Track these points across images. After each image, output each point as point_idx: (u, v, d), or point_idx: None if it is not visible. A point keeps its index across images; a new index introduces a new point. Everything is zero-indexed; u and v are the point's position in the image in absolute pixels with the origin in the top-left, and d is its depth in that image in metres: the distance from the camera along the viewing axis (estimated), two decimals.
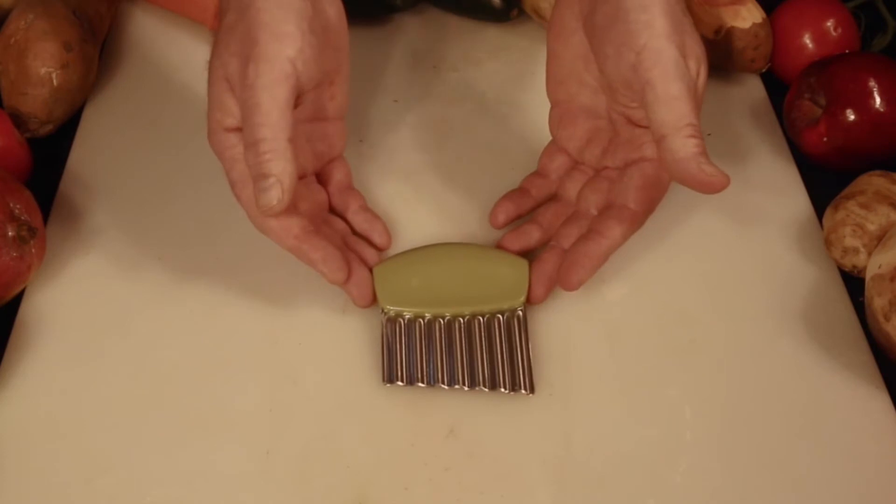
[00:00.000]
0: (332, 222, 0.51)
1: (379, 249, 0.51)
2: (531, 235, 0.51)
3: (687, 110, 0.43)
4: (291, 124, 0.43)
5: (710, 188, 0.43)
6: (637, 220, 0.47)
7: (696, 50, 0.45)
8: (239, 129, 0.45)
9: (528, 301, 0.49)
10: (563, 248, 0.49)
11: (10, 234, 0.47)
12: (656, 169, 0.47)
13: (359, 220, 0.52)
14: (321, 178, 0.52)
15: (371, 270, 0.49)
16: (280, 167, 0.42)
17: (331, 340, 0.49)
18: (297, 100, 0.45)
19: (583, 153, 0.51)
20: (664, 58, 0.43)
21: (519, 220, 0.52)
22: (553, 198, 0.52)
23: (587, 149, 0.50)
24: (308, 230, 0.46)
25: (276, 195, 0.42)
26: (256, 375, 0.48)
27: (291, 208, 0.46)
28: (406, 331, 0.48)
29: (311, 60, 0.44)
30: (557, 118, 0.52)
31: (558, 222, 0.51)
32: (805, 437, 0.46)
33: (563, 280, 0.47)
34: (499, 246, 0.51)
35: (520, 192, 0.52)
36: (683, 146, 0.42)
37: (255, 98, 0.43)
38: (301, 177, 0.49)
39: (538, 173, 0.53)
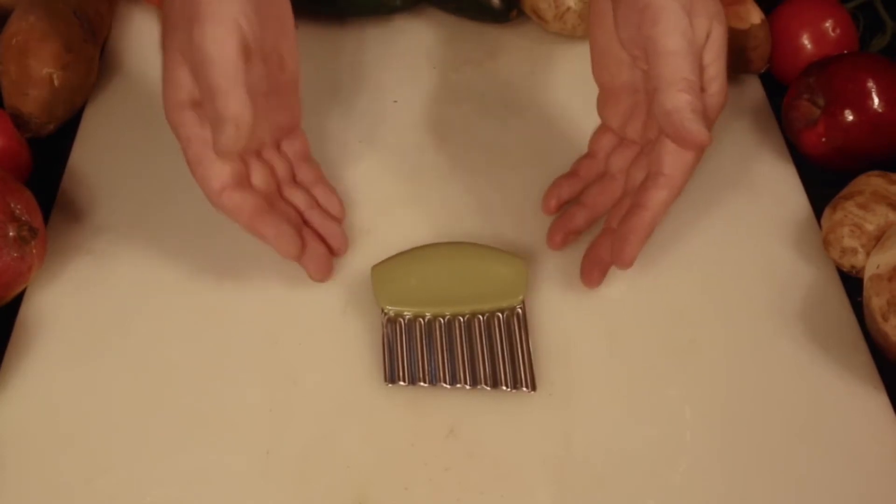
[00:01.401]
0: (293, 195, 0.51)
1: (336, 220, 0.52)
2: (576, 217, 0.52)
3: (682, 65, 0.43)
4: (244, 74, 0.44)
5: (689, 143, 0.43)
6: (673, 185, 0.47)
7: (708, 9, 0.45)
8: (194, 104, 0.45)
9: (587, 286, 0.50)
10: (615, 228, 0.49)
11: (10, 234, 0.47)
12: (685, 149, 0.47)
13: (316, 193, 0.52)
14: (281, 150, 0.53)
15: (330, 246, 0.51)
16: (236, 109, 0.43)
17: (331, 340, 0.49)
18: (247, 59, 0.45)
19: (625, 129, 0.51)
20: (664, 15, 0.43)
21: (570, 203, 0.53)
22: (601, 176, 0.52)
23: (629, 124, 0.51)
24: (261, 208, 0.47)
25: (230, 133, 0.43)
26: (256, 375, 0.48)
27: (245, 184, 0.47)
28: (406, 331, 0.48)
29: (255, 21, 0.45)
30: (602, 99, 0.52)
31: (605, 200, 0.51)
32: (804, 436, 0.46)
33: (616, 259, 0.48)
34: (549, 232, 0.52)
35: (569, 175, 0.53)
36: (672, 99, 0.43)
37: (205, 53, 0.43)
38: (259, 149, 0.50)
39: (587, 155, 0.53)
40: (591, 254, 0.50)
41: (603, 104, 0.52)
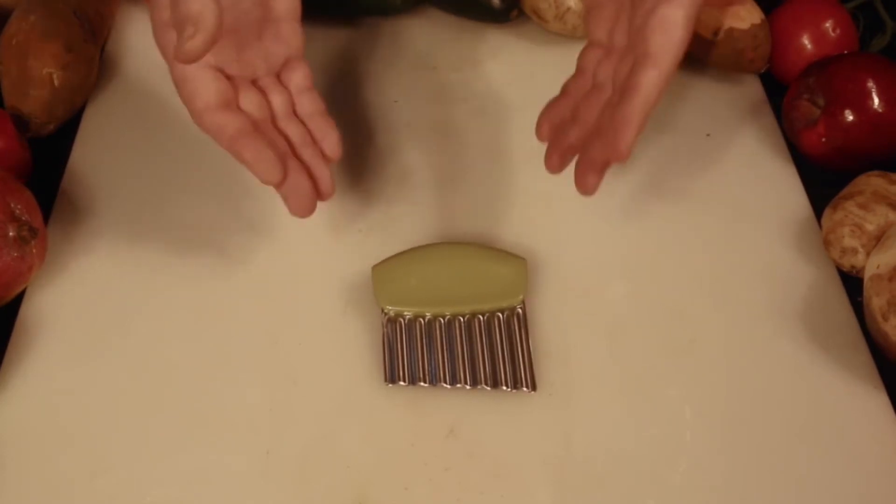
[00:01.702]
0: (287, 127, 0.50)
1: (328, 160, 0.50)
2: (570, 133, 0.49)
3: None
4: None
5: None
6: (662, 64, 0.44)
7: None
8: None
9: (583, 193, 0.46)
10: (605, 125, 0.46)
11: (10, 234, 0.47)
12: (669, 8, 0.45)
13: (314, 127, 0.50)
14: (282, 82, 0.51)
15: (317, 187, 0.48)
16: (196, 7, 0.42)
17: (331, 340, 0.49)
18: None
19: (613, 36, 0.49)
20: None
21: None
22: (590, 91, 0.50)
23: (616, 29, 0.49)
24: (245, 130, 0.46)
25: (189, 33, 0.42)
26: (256, 375, 0.48)
27: (231, 106, 0.46)
28: (406, 330, 0.48)
29: None
30: (587, 14, 0.51)
31: (595, 110, 0.48)
32: (804, 436, 0.46)
33: (612, 152, 0.44)
34: (546, 156, 0.49)
35: (560, 96, 0.51)
36: None
37: None
38: (253, 78, 0.49)
39: (576, 73, 0.51)
40: (583, 157, 0.46)
41: (588, 18, 0.51)
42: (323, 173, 0.49)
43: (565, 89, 0.51)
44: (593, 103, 0.49)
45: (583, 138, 0.48)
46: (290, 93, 0.50)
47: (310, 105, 0.50)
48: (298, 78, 0.51)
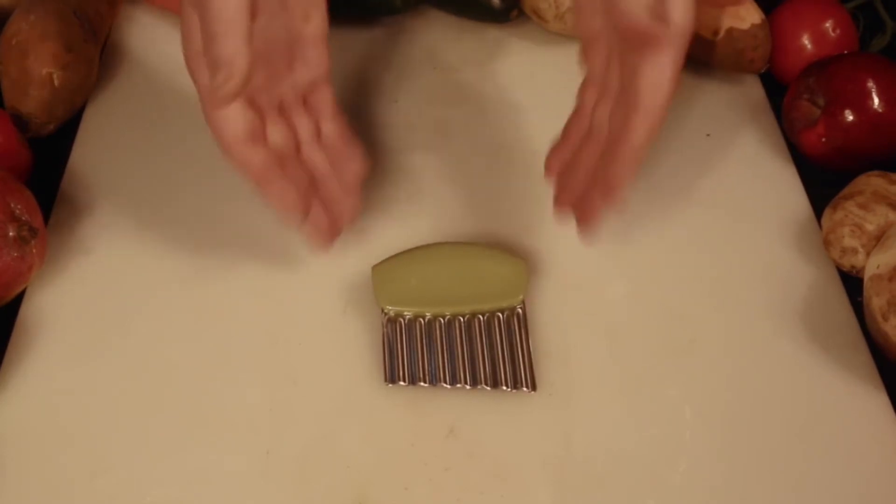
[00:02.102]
0: (312, 156, 0.50)
1: (351, 189, 0.51)
2: (574, 180, 0.49)
3: None
4: (245, 21, 0.43)
5: (645, 34, 0.43)
6: (649, 109, 0.45)
7: None
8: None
9: (583, 236, 0.48)
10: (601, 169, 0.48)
11: (10, 234, 0.47)
12: (654, 53, 0.45)
13: (338, 154, 0.51)
14: (307, 105, 0.51)
15: (339, 213, 0.49)
16: (232, 49, 0.42)
17: (331, 340, 0.49)
18: (256, 9, 0.44)
19: (607, 74, 0.50)
20: None
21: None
22: (588, 132, 0.50)
23: (609, 67, 0.49)
24: (271, 166, 0.46)
25: (221, 78, 0.42)
26: (256, 375, 0.48)
27: (259, 138, 0.46)
28: (406, 330, 0.48)
29: None
30: (583, 49, 0.51)
31: (595, 154, 0.49)
32: (804, 436, 0.46)
33: (607, 195, 0.46)
34: (555, 204, 0.50)
35: (562, 138, 0.52)
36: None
37: (208, 1, 0.42)
38: (280, 103, 0.49)
39: (575, 111, 0.52)
40: (582, 204, 0.48)
41: (584, 53, 0.51)
42: (344, 204, 0.50)
43: (566, 132, 0.52)
44: (592, 149, 0.49)
45: (585, 183, 0.49)
46: (315, 117, 0.51)
47: (335, 131, 0.51)
48: (324, 102, 0.51)
